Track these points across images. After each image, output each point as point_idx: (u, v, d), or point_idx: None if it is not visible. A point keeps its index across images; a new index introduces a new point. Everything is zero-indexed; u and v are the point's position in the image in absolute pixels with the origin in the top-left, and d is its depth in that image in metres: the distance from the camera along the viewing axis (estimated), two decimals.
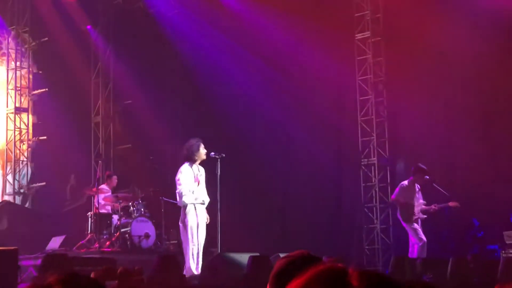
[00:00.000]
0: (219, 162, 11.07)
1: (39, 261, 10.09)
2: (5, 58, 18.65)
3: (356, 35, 16.35)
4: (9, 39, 18.54)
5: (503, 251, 13.46)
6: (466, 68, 14.83)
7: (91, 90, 19.11)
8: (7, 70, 18.53)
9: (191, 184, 11.00)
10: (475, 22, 14.57)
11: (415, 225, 13.22)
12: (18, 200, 18.06)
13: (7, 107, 18.42)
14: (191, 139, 11.29)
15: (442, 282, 10.00)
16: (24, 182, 18.20)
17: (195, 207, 10.99)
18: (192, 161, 11.09)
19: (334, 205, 16.06)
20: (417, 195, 13.44)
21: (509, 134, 14.64)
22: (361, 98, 16.26)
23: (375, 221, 15.82)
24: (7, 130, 18.31)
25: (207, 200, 11.09)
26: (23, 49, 18.60)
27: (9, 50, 18.57)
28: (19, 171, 18.23)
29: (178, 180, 11.04)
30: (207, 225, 11.01)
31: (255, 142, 16.78)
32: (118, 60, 18.68)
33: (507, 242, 13.46)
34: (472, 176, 14.65)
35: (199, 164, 11.16)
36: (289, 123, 16.77)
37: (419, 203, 13.37)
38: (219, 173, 11.03)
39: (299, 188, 16.26)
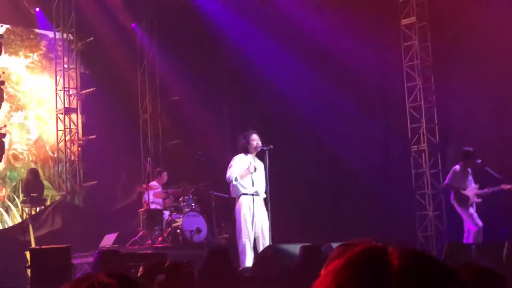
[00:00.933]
0: (267, 154, 11.05)
1: (92, 259, 10.19)
2: (53, 59, 18.85)
3: (402, 21, 16.18)
4: (56, 40, 18.74)
5: None
6: None
7: (138, 88, 19.27)
8: (55, 71, 18.73)
9: (241, 173, 10.96)
10: None
11: (471, 209, 13.04)
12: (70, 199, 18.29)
13: (56, 107, 18.64)
14: (248, 130, 11.30)
15: (498, 267, 9.84)
16: (76, 181, 18.41)
17: (250, 198, 10.96)
18: (245, 151, 11.09)
19: (385, 193, 15.92)
20: (470, 178, 13.26)
21: None
22: (409, 84, 16.11)
23: (427, 207, 15.67)
24: (57, 130, 18.52)
25: (261, 191, 11.01)
26: (70, 50, 18.79)
27: (57, 51, 18.77)
28: (71, 170, 18.43)
29: (228, 170, 11.07)
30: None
31: (303, 133, 16.72)
32: (163, 57, 18.79)
33: None
34: None
35: (257, 156, 11.12)
36: (336, 113, 16.66)
37: (472, 187, 13.18)
38: (267, 165, 11.01)
39: (348, 177, 16.15)
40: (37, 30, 18.96)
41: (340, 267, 1.32)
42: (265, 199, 11.10)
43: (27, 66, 18.78)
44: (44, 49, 19.03)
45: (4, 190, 18.08)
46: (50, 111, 18.82)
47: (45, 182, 17.97)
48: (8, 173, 18.27)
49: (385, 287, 1.26)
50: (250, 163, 11.04)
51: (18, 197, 17.93)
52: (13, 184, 18.21)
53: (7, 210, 17.94)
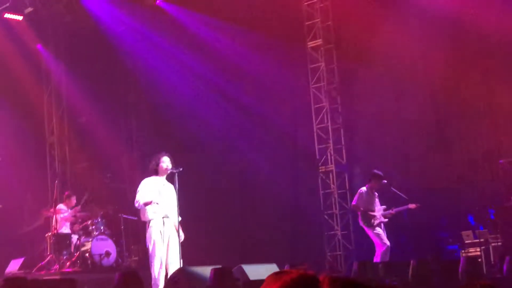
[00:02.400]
0: (177, 176, 11.00)
1: None
2: None
3: (308, 43, 16.42)
4: None
5: (463, 251, 13.62)
6: (418, 73, 15.00)
7: (45, 110, 18.94)
8: None
9: (151, 195, 10.87)
10: (424, 26, 14.74)
11: (378, 229, 13.26)
12: None
13: None
14: (159, 152, 11.22)
15: (405, 284, 10.06)
16: None
17: (160, 222, 10.87)
18: (155, 173, 11.01)
19: (294, 214, 16.08)
20: (376, 200, 13.50)
21: (462, 139, 14.85)
22: (316, 106, 16.32)
23: (335, 227, 15.87)
24: None
25: (171, 214, 10.91)
26: None
27: None
28: None
29: (136, 195, 10.92)
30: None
31: (212, 155, 16.77)
32: (70, 78, 18.54)
33: (466, 241, 13.63)
34: (428, 180, 14.83)
35: (168, 180, 11.03)
36: (245, 134, 16.77)
37: (379, 208, 13.43)
38: (177, 187, 10.95)
39: (258, 199, 16.27)
40: None
41: None
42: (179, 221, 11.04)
43: None
44: None
45: None
46: None
47: None
48: None
49: None
50: (159, 189, 10.96)
51: None
52: None
53: None
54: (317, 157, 16.22)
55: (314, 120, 16.29)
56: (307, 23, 16.43)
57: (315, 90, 16.35)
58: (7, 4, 17.33)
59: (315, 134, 16.27)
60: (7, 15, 17.76)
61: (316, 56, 16.39)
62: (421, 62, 14.78)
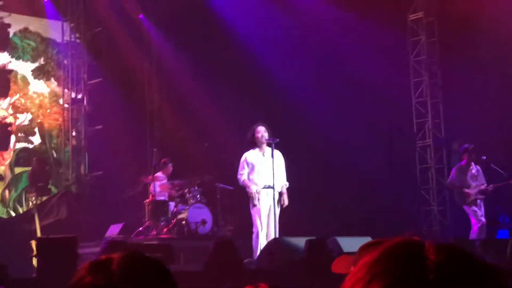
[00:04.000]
0: (273, 147, 11.07)
1: (98, 249, 10.23)
2: (61, 64, 18.85)
3: (409, 16, 16.18)
4: (64, 30, 18.74)
5: None
6: None
7: (146, 79, 19.27)
8: (63, 61, 18.76)
9: (255, 168, 11.03)
10: None
11: (474, 207, 13.04)
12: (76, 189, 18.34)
13: (63, 98, 18.68)
14: (257, 123, 11.31)
15: (502, 262, 9.87)
16: (82, 171, 18.46)
17: (262, 192, 11.02)
18: (252, 143, 11.14)
19: (390, 188, 15.94)
20: (473, 175, 13.23)
21: None
22: (415, 80, 16.11)
23: (432, 203, 15.69)
24: (64, 121, 18.56)
25: (274, 184, 11.01)
26: (77, 40, 18.79)
27: (65, 41, 18.78)
28: (77, 160, 18.47)
29: (238, 167, 11.15)
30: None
31: (309, 128, 16.73)
32: (171, 48, 18.78)
33: None
34: None
35: (270, 147, 11.12)
36: (342, 108, 16.67)
37: (477, 184, 13.17)
38: (274, 158, 11.03)
39: (354, 173, 16.18)
40: (47, 36, 18.91)
41: (375, 259, 1.33)
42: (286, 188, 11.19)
43: (33, 71, 18.79)
44: (54, 58, 19.01)
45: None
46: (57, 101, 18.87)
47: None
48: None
49: (421, 281, 1.28)
50: (259, 159, 11.07)
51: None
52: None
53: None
54: (415, 131, 16.03)
55: (413, 94, 16.09)
56: None
57: (414, 64, 16.14)
58: None
59: (413, 108, 16.07)
60: None
61: (417, 29, 16.15)
62: None
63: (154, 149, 16.05)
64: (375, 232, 9.84)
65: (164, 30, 18.89)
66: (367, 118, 16.28)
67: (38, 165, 17.08)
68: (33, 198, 16.84)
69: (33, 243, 9.18)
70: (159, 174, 15.40)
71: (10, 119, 18.00)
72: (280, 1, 17.05)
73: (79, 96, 18.59)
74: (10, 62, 18.21)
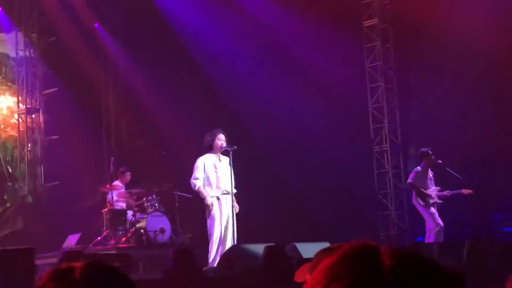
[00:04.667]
0: (231, 155, 11.07)
1: (56, 260, 10.13)
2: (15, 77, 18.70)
3: (364, 22, 16.31)
4: (18, 40, 18.58)
5: None
6: (477, 51, 14.76)
7: (102, 88, 19.17)
8: (17, 71, 18.58)
9: (211, 174, 11.01)
10: (486, 2, 14.51)
11: (432, 209, 13.16)
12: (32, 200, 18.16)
13: (18, 107, 18.49)
14: (214, 129, 11.30)
15: (459, 265, 9.99)
16: (38, 181, 18.29)
17: (217, 198, 11.01)
18: (209, 149, 11.12)
19: (347, 193, 16.04)
20: (430, 180, 13.39)
21: None
22: (371, 85, 16.24)
23: (389, 207, 15.81)
24: (19, 131, 18.37)
25: (228, 190, 11.03)
26: (32, 50, 18.63)
27: (18, 50, 18.61)
28: (33, 171, 18.30)
29: (194, 171, 11.09)
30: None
31: (267, 133, 16.76)
32: (127, 56, 18.71)
33: None
34: (486, 160, 14.61)
35: (223, 154, 11.13)
36: (301, 112, 16.74)
37: (433, 188, 13.32)
38: (231, 165, 11.03)
39: (312, 178, 16.25)
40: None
41: (334, 262, 1.36)
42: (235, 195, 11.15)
43: None
44: (8, 73, 18.85)
45: None
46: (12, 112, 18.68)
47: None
48: None
49: (376, 283, 1.30)
50: (215, 164, 11.06)
51: None
52: None
53: None
54: (372, 136, 16.15)
55: (369, 100, 16.22)
56: (363, 1, 16.31)
57: (370, 70, 16.27)
58: None
59: (370, 113, 16.20)
60: None
61: (372, 35, 16.28)
62: (480, 39, 14.50)
63: (112, 158, 15.96)
64: (334, 238, 9.88)
65: (119, 38, 18.81)
66: (325, 123, 16.36)
67: None
68: None
69: None
70: (117, 182, 15.33)
71: None
72: (237, 6, 17.05)
73: (35, 106, 18.43)
74: None
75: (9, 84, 18.73)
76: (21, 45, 18.56)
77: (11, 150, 18.58)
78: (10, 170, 18.47)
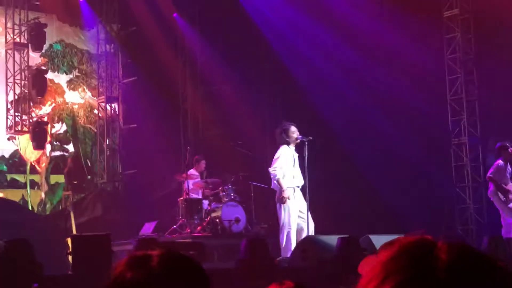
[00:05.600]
0: (306, 145, 11.06)
1: (131, 246, 10.29)
2: (95, 48, 19.07)
3: (444, 13, 16.06)
4: (99, 29, 18.91)
5: None
6: None
7: (179, 77, 19.37)
8: (98, 60, 18.93)
9: (289, 166, 11.04)
10: None
11: (510, 204, 12.92)
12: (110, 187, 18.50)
13: (98, 96, 18.85)
14: (284, 122, 11.31)
15: None
16: (117, 169, 18.61)
17: (294, 190, 11.04)
18: (287, 143, 11.14)
19: (425, 186, 15.83)
20: (510, 174, 13.12)
21: None
22: (450, 77, 16.00)
23: (467, 201, 15.56)
24: (98, 119, 18.72)
25: (301, 183, 11.08)
26: (112, 39, 18.96)
27: (100, 40, 18.95)
28: (112, 159, 18.62)
29: (275, 161, 11.09)
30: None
31: (343, 126, 16.67)
32: (205, 47, 18.85)
33: None
34: None
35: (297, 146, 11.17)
36: (377, 106, 16.59)
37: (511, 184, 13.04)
38: (306, 156, 11.02)
39: (387, 169, 16.09)
40: (81, 47, 19.20)
41: (389, 258, 1.35)
42: (303, 190, 11.13)
43: (68, 82, 19.12)
44: (88, 69, 19.29)
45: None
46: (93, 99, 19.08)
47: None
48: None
49: (432, 280, 1.28)
50: (294, 157, 11.08)
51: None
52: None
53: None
54: (450, 128, 15.91)
55: (448, 92, 15.98)
56: None
57: (450, 61, 16.02)
58: None
59: (448, 105, 15.96)
60: None
61: (452, 26, 16.03)
62: None
63: (188, 148, 16.11)
64: (409, 230, 9.76)
65: (198, 29, 18.96)
66: (401, 115, 16.18)
67: (73, 164, 17.26)
68: (69, 196, 17.02)
69: (69, 241, 9.27)
70: (192, 171, 15.46)
71: (46, 111, 18.29)
72: (311, 6, 17.01)
73: (115, 95, 18.76)
74: (46, 61, 18.42)
75: (90, 80, 19.12)
76: (102, 36, 18.89)
77: (91, 146, 18.97)
78: (89, 164, 18.86)
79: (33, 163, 18.14)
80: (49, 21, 18.11)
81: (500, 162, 13.17)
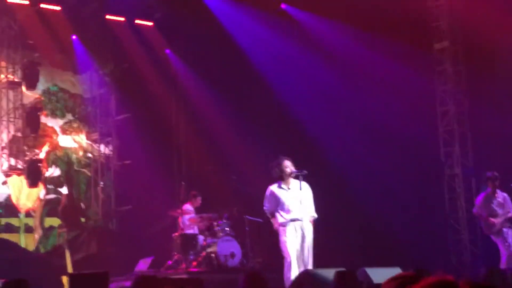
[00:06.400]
0: (301, 179, 11.08)
1: (128, 283, 10.27)
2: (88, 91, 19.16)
3: (435, 45, 16.20)
4: (92, 70, 19.00)
5: None
6: None
7: (173, 113, 19.41)
8: (91, 97, 19.00)
9: (279, 202, 11.06)
10: None
11: (501, 236, 12.95)
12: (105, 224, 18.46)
13: (91, 132, 18.89)
14: (279, 156, 11.34)
15: None
16: (111, 206, 18.59)
17: (291, 225, 11.04)
18: (280, 179, 11.16)
19: (418, 218, 15.87)
20: (499, 203, 13.12)
21: None
22: (442, 108, 16.09)
23: (462, 232, 15.59)
24: (93, 155, 18.75)
25: (301, 216, 11.04)
26: (106, 81, 19.04)
27: (93, 82, 19.06)
28: (106, 195, 18.61)
29: (264, 200, 11.16)
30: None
31: (337, 159, 16.71)
32: (198, 83, 18.91)
33: None
34: None
35: (296, 179, 11.15)
36: (370, 137, 16.66)
37: (504, 212, 13.07)
38: (302, 190, 11.04)
39: (382, 202, 16.13)
40: (75, 92, 19.31)
41: None
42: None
43: (61, 126, 19.20)
44: (82, 113, 19.39)
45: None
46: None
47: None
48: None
49: None
50: (285, 195, 11.10)
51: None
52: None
53: None
54: (443, 160, 15.98)
55: (439, 123, 16.07)
56: (433, 24, 16.21)
57: (441, 93, 16.13)
58: (137, 11, 17.93)
59: (440, 137, 16.04)
60: (137, 21, 18.38)
61: (442, 58, 16.15)
62: None
63: (182, 183, 16.13)
64: (405, 263, 9.81)
65: (190, 64, 19.05)
66: (395, 147, 16.24)
67: (68, 201, 17.25)
68: (64, 233, 16.99)
69: (64, 279, 9.26)
70: (187, 206, 15.45)
71: (41, 155, 18.27)
72: (304, 39, 17.15)
73: (108, 132, 18.81)
74: (42, 99, 18.48)
75: (83, 124, 19.19)
76: (95, 78, 19.01)
77: (85, 190, 18.98)
78: (83, 207, 18.84)
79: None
80: (43, 65, 18.20)
81: (482, 194, 13.24)
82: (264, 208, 11.21)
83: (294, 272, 10.83)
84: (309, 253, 10.94)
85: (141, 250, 15.56)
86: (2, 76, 17.60)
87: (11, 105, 17.48)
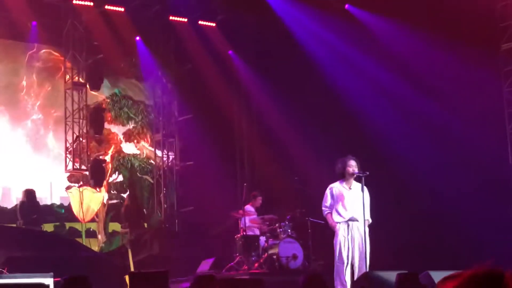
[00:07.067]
0: (363, 180, 10.98)
1: (187, 284, 10.28)
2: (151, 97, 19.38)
3: (502, 45, 15.90)
4: (155, 73, 19.15)
5: None
6: None
7: (235, 114, 19.44)
8: (154, 98, 19.15)
9: (338, 202, 10.99)
10: None
11: None
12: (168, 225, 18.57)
13: (156, 133, 19.04)
14: (348, 155, 11.29)
15: None
16: (174, 207, 18.69)
17: (345, 225, 10.95)
18: (342, 177, 11.12)
19: (482, 221, 15.56)
20: None
21: None
22: (509, 110, 15.79)
23: None
24: (155, 156, 18.88)
25: (359, 217, 10.95)
26: (169, 78, 19.16)
27: (156, 87, 19.23)
28: (169, 196, 18.72)
29: (324, 197, 11.13)
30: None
31: (401, 159, 16.52)
32: (261, 83, 18.90)
33: None
34: None
35: (358, 181, 11.09)
36: (434, 139, 16.43)
37: None
38: (364, 190, 10.94)
39: (447, 204, 15.86)
40: (137, 98, 19.54)
41: (459, 285, 1.32)
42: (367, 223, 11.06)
43: (124, 134, 19.44)
44: (144, 120, 19.61)
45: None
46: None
47: None
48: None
49: None
50: (344, 194, 11.02)
51: None
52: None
53: None
54: (510, 162, 15.66)
55: (507, 125, 15.76)
56: (501, 24, 15.91)
57: (508, 94, 15.82)
58: (200, 12, 18.02)
59: (508, 139, 15.74)
60: (200, 22, 18.47)
61: (510, 59, 15.84)
62: None
63: (244, 184, 16.12)
64: (469, 265, 9.59)
65: (252, 65, 19.05)
66: (461, 150, 15.98)
67: (131, 202, 17.39)
68: (126, 233, 17.14)
69: (127, 278, 9.32)
70: (248, 207, 15.44)
71: (107, 158, 18.49)
72: (367, 40, 17.01)
73: (171, 133, 18.94)
74: (107, 101, 18.70)
75: (145, 130, 19.38)
76: (159, 83, 19.18)
77: (147, 197, 19.16)
78: (145, 213, 19.01)
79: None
80: (108, 69, 18.42)
81: None
82: (322, 207, 11.16)
83: (343, 273, 10.73)
84: (362, 255, 10.81)
85: (203, 251, 15.59)
86: (68, 77, 17.84)
87: (75, 106, 17.69)
